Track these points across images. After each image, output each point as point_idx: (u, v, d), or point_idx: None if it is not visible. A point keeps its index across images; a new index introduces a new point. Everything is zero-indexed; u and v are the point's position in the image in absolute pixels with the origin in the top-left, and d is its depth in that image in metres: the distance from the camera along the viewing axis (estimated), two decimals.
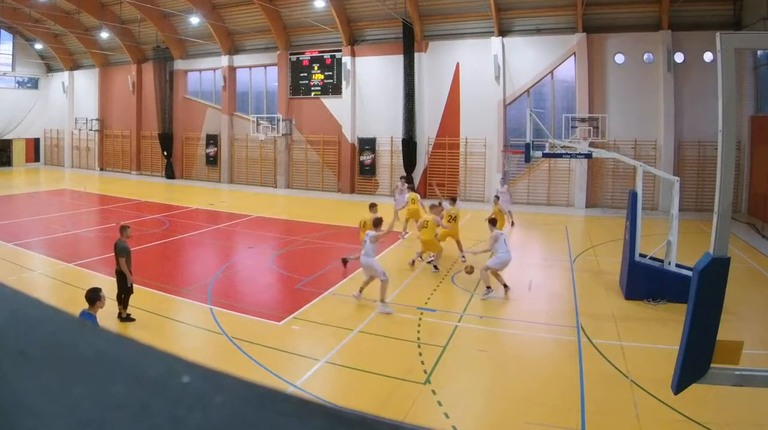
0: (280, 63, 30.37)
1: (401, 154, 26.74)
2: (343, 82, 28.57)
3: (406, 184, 19.48)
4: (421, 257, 14.02)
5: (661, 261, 11.68)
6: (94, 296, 7.28)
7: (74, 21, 34.77)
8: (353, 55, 28.34)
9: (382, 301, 10.54)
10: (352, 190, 28.31)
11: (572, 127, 22.99)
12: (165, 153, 34.62)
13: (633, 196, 11.56)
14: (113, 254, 10.02)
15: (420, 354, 8.61)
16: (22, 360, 0.47)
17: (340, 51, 28.68)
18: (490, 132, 25.45)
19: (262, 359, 8.34)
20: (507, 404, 7.29)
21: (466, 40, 25.98)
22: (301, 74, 30.11)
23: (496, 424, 6.91)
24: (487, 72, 25.25)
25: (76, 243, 16.61)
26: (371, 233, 11.07)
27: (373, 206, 13.77)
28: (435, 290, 12.04)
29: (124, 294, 9.79)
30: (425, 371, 7.99)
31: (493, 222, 11.94)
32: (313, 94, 29.87)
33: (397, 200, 18.40)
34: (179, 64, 34.45)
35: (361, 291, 11.04)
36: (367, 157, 28.32)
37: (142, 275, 12.37)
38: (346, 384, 7.92)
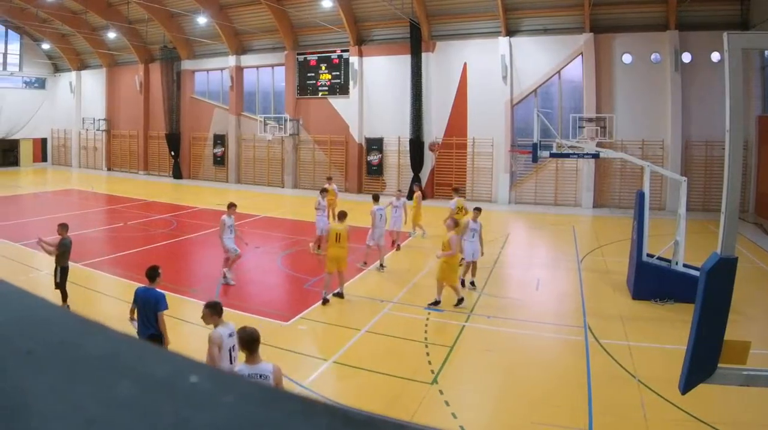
0: (287, 63, 30.41)
1: (408, 155, 26.73)
2: (351, 82, 28.58)
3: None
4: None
5: (669, 261, 11.63)
6: (154, 274, 7.55)
7: (81, 21, 34.92)
8: (360, 55, 28.35)
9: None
10: (360, 190, 28.30)
11: (579, 127, 22.88)
12: (172, 153, 34.73)
13: (640, 196, 11.52)
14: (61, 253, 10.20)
15: (427, 354, 8.61)
16: (29, 359, 0.47)
17: (347, 51, 28.69)
18: (498, 132, 25.39)
19: (269, 358, 8.30)
20: (514, 404, 7.28)
21: (474, 40, 25.93)
22: (309, 74, 30.12)
23: (504, 424, 6.89)
24: (494, 72, 25.19)
25: (83, 243, 16.63)
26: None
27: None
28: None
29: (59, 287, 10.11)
30: (432, 371, 7.99)
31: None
32: (320, 94, 29.88)
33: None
34: (186, 64, 34.56)
35: None
36: (374, 157, 28.33)
37: None
38: (354, 384, 7.93)
